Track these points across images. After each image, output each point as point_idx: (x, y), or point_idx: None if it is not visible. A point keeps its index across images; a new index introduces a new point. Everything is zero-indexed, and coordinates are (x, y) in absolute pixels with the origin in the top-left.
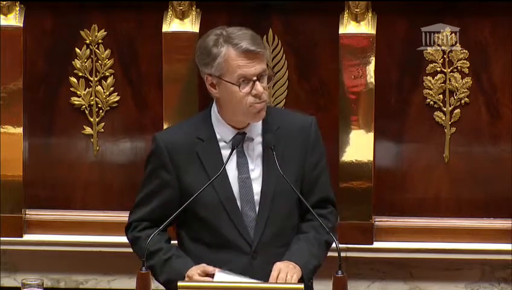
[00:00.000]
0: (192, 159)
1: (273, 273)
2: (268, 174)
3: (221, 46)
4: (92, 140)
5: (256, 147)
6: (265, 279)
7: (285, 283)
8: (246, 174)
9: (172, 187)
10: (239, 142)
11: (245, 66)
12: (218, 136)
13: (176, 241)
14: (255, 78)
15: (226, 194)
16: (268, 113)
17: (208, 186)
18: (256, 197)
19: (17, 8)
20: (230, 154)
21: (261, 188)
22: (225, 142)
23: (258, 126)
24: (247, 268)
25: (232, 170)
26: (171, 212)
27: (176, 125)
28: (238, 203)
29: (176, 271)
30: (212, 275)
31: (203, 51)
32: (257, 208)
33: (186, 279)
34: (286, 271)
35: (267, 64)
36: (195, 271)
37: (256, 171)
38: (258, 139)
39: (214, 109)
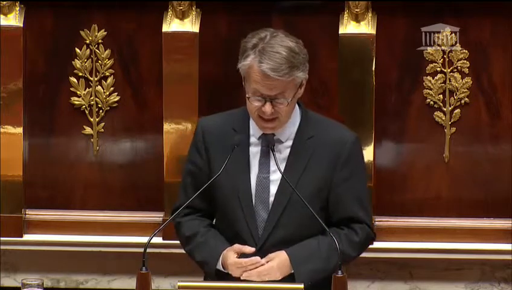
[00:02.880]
0: (223, 148)
1: (262, 261)
2: (287, 179)
3: (253, 53)
4: (92, 140)
5: (283, 150)
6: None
7: (285, 283)
8: (266, 174)
9: (203, 171)
10: (237, 142)
11: (261, 84)
12: (251, 131)
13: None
14: (267, 97)
15: (244, 189)
16: (309, 119)
17: (230, 177)
18: (271, 199)
19: (17, 8)
20: (231, 153)
21: (276, 191)
22: (256, 138)
23: (291, 130)
24: None
25: (254, 167)
26: (205, 196)
27: (222, 113)
28: (253, 201)
29: (209, 253)
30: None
31: (243, 47)
32: (270, 210)
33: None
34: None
35: (299, 85)
36: (230, 254)
37: (277, 173)
38: (288, 143)
39: None
